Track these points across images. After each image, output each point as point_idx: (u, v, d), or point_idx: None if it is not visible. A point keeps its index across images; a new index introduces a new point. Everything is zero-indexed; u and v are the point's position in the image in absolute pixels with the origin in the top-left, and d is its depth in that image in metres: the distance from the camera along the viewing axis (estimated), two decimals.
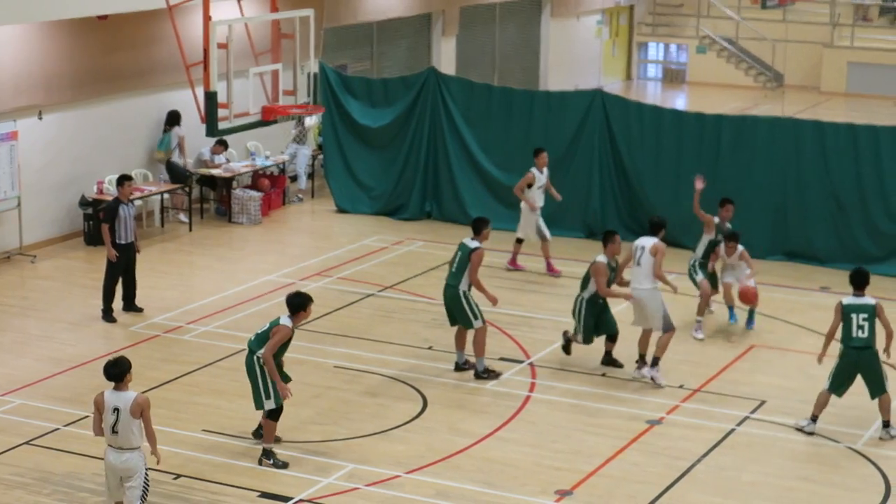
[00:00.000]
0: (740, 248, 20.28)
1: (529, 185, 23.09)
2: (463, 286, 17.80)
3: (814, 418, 16.61)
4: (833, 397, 16.57)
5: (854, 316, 16.29)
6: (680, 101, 43.79)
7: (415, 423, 16.70)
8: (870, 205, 24.15)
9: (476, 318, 17.89)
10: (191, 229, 25.65)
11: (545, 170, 23.32)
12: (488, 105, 26.53)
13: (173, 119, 26.27)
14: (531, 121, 26.19)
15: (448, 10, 36.15)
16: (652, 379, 18.01)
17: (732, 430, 16.70)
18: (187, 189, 25.87)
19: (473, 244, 17.86)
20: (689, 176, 24.76)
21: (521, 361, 18.92)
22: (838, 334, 16.42)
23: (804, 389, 18.07)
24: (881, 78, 44.14)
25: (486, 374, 18.07)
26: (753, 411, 17.28)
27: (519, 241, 23.44)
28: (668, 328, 18.06)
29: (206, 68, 19.95)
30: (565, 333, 18.83)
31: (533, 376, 18.40)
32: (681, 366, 18.82)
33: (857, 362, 16.31)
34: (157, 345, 19.27)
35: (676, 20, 48.16)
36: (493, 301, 18.07)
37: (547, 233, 23.20)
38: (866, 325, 16.25)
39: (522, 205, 23.26)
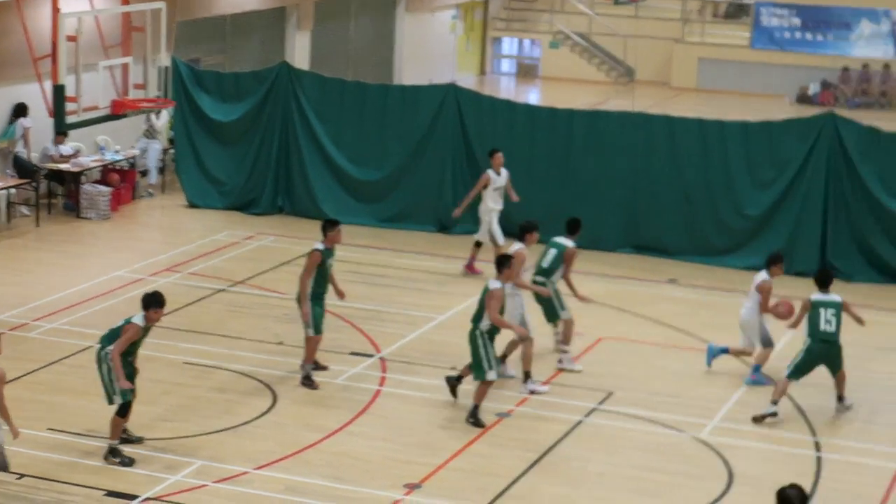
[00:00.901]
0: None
1: (485, 187, 22.79)
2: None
3: (775, 402, 17.06)
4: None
5: (822, 311, 16.98)
6: (533, 96, 44.15)
7: (265, 419, 16.61)
8: (718, 199, 24.57)
9: (308, 326, 17.53)
10: (38, 224, 25.23)
11: (503, 171, 22.86)
12: (341, 100, 26.48)
13: (20, 111, 25.79)
14: (384, 115, 26.20)
15: (303, 4, 36.01)
16: (532, 392, 17.73)
17: (580, 421, 16.88)
18: (34, 184, 25.43)
19: (315, 245, 17.66)
20: (540, 170, 25.06)
21: (371, 356, 18.92)
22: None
23: (651, 380, 18.37)
24: (730, 73, 44.96)
25: (308, 383, 17.68)
26: (601, 402, 17.49)
27: (478, 244, 22.97)
28: (525, 336, 17.73)
29: (54, 61, 19.74)
30: (451, 379, 17.30)
31: (383, 370, 18.40)
32: (534, 359, 18.92)
33: (825, 354, 17.05)
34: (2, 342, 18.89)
35: (530, 15, 48.52)
36: (340, 295, 17.89)
37: (500, 238, 22.68)
38: (833, 319, 16.94)
39: (480, 207, 22.88)
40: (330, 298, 17.87)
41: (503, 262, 16.75)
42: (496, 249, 22.35)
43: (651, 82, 45.82)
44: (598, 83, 45.89)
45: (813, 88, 44.02)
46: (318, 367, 18.01)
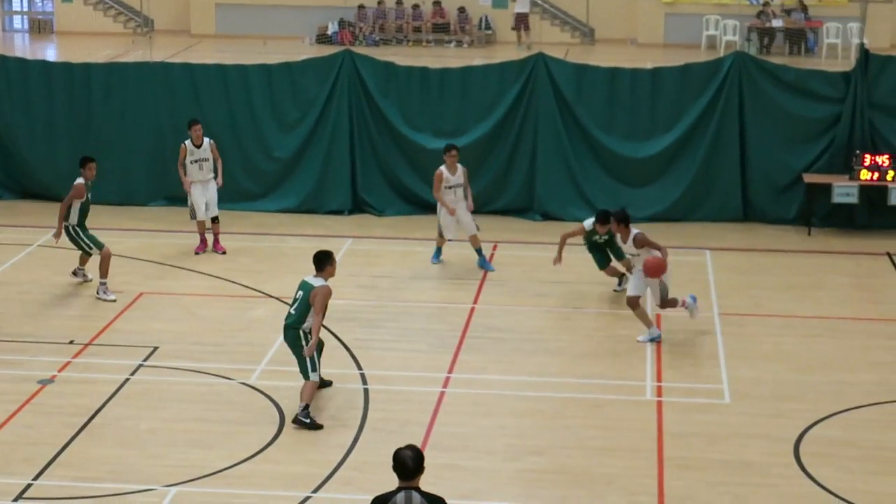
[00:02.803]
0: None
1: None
2: None
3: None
4: None
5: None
6: (50, 53, 42.87)
7: None
8: (246, 144, 24.65)
9: None
10: None
11: (206, 141, 21.74)
12: None
13: None
14: None
15: None
16: None
17: (127, 379, 16.59)
18: None
19: None
20: (61, 127, 24.43)
21: None
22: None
23: (195, 332, 18.27)
24: (250, 17, 45.00)
25: None
26: (146, 359, 17.24)
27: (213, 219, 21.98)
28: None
29: None
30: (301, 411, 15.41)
31: None
32: (70, 321, 18.54)
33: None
34: None
35: None
36: None
37: (200, 213, 21.80)
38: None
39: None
40: None
41: (324, 259, 15.41)
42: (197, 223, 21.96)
43: (170, 31, 45.34)
44: (116, 35, 45.00)
45: (332, 28, 44.65)
46: None
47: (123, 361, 17.16)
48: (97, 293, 19.49)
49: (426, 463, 10.36)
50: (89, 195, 19.69)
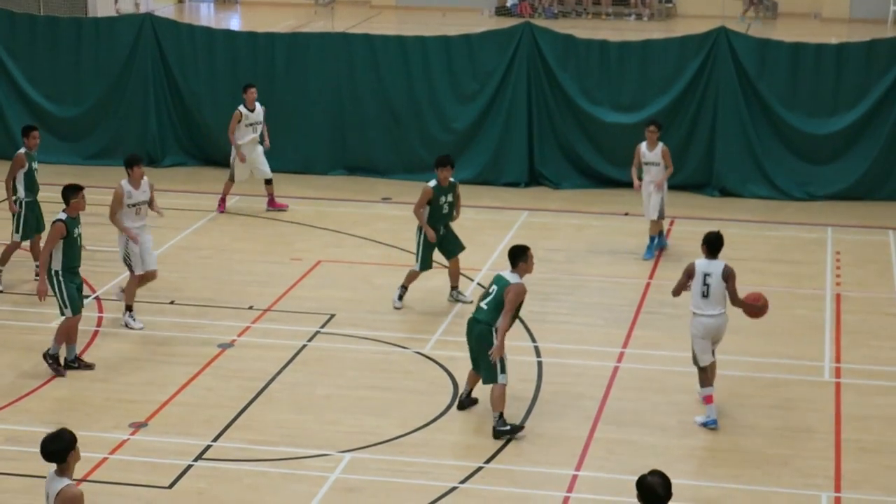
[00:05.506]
0: None
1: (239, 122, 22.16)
2: None
3: None
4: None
5: None
6: (234, 22, 43.52)
7: None
8: (424, 115, 24.74)
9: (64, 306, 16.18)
10: None
11: (257, 105, 22.24)
12: (32, 36, 25.63)
13: None
14: (80, 49, 25.50)
15: None
16: (126, 325, 17.35)
17: (304, 346, 16.84)
18: None
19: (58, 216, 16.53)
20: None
21: (86, 296, 18.42)
22: None
23: (371, 300, 18.43)
24: None
25: (55, 366, 16.12)
26: (323, 326, 17.46)
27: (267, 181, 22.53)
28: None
29: None
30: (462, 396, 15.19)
31: (100, 310, 17.99)
32: (249, 287, 18.84)
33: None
34: None
35: None
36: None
37: (238, 175, 22.35)
38: None
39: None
40: None
41: (518, 255, 14.36)
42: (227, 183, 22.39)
43: (351, 3, 45.64)
44: (298, 6, 45.42)
45: (511, 0, 44.57)
46: (82, 364, 16.33)
47: (300, 328, 17.40)
48: None
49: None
50: (33, 165, 18.69)
